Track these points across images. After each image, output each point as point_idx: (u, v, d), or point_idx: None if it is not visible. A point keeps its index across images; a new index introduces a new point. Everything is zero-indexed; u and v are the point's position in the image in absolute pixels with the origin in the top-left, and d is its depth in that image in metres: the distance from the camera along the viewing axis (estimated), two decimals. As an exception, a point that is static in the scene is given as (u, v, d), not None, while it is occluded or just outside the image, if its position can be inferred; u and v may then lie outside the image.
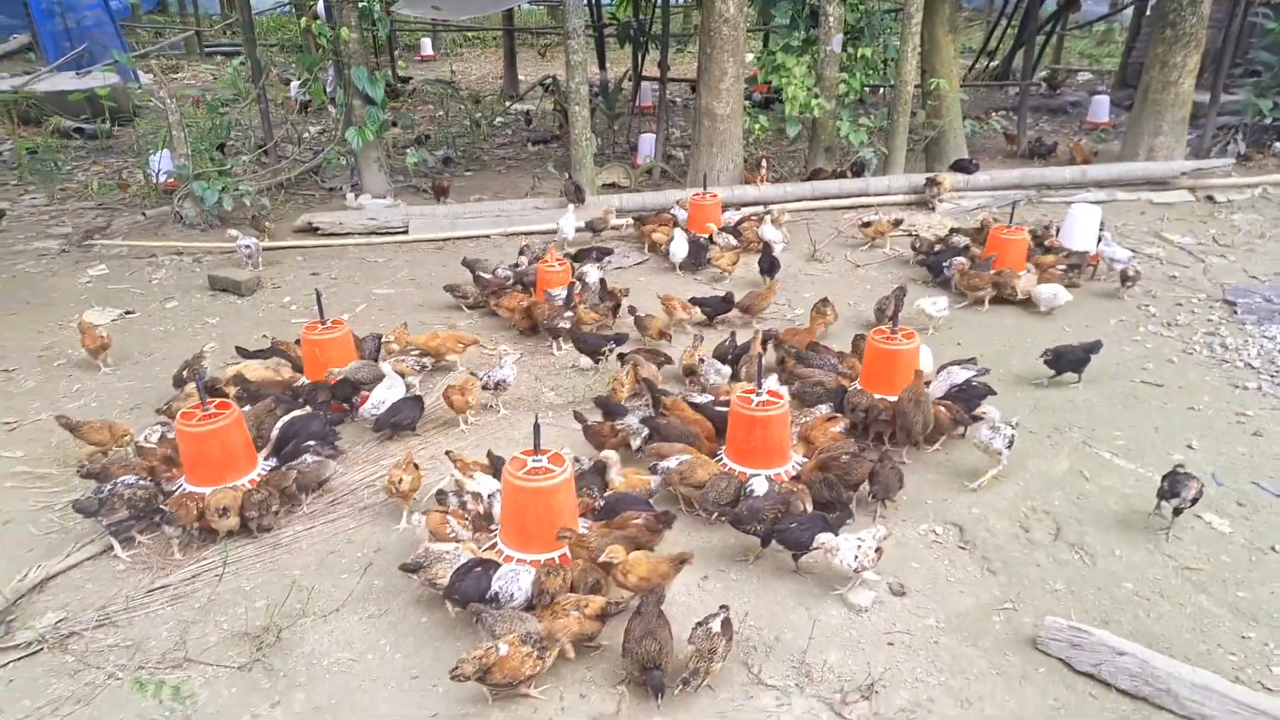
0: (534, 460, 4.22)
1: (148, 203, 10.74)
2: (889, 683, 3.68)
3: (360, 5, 9.50)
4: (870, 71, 10.65)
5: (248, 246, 8.44)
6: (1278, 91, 12.53)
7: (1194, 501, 4.53)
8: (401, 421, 5.58)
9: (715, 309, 7.38)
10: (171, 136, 9.83)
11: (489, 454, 5.00)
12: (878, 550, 4.16)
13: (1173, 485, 4.51)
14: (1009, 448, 5.00)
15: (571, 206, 9.32)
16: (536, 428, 4.31)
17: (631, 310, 7.17)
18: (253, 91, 11.33)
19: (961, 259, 7.93)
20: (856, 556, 4.08)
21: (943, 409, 5.41)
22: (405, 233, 9.55)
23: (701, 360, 6.21)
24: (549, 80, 15.09)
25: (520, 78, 18.80)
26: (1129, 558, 4.49)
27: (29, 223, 10.50)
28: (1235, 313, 7.70)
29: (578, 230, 9.02)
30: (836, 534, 4.19)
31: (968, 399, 5.49)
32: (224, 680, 3.83)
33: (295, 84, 15.03)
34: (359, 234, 9.63)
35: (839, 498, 4.62)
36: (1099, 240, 8.56)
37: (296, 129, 12.53)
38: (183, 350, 7.10)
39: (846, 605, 4.15)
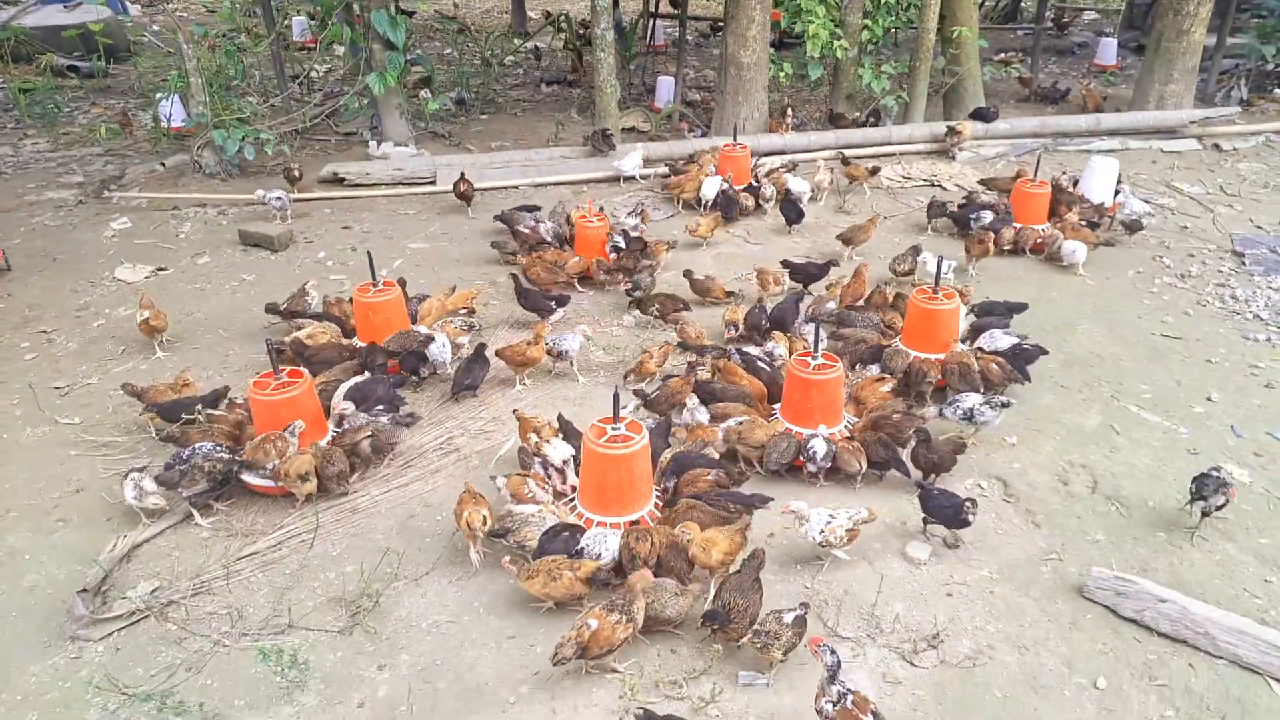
0: (613, 429, 4.44)
1: (159, 150, 10.64)
2: (952, 632, 4.01)
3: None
4: (892, 17, 10.60)
5: (279, 199, 8.44)
6: (1281, 36, 12.62)
7: (1220, 507, 4.49)
8: (475, 382, 5.78)
9: (809, 276, 7.14)
10: (189, 84, 9.68)
11: (559, 417, 5.21)
12: (850, 530, 4.24)
13: (1200, 488, 4.50)
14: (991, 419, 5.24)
15: (640, 145, 9.50)
16: (616, 397, 4.52)
17: (688, 274, 7.19)
18: (253, 26, 11.08)
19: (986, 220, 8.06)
20: (823, 531, 4.22)
21: (994, 366, 5.67)
22: (433, 183, 9.56)
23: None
24: (560, 17, 14.81)
25: (529, 13, 18.41)
26: (1161, 508, 4.82)
27: (36, 171, 10.39)
28: (1244, 264, 7.97)
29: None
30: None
31: (1024, 358, 5.77)
32: (327, 644, 4.05)
33: (298, 19, 14.69)
34: (386, 184, 9.63)
35: (894, 456, 4.91)
36: (1116, 192, 8.76)
37: (305, 70, 12.30)
38: (223, 309, 7.22)
39: (906, 559, 4.47)
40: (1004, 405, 5.25)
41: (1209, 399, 5.86)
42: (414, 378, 5.97)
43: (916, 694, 3.76)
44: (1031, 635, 4.01)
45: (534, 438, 4.85)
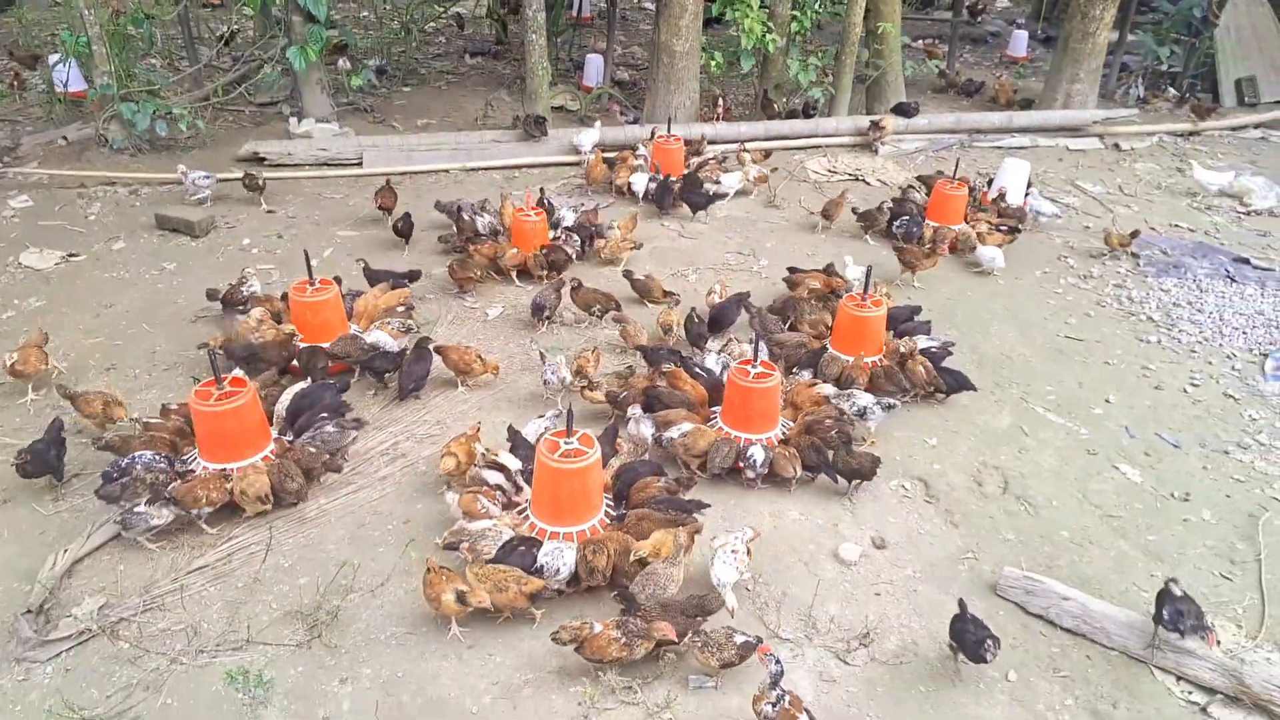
0: (566, 443, 4.59)
1: (55, 117, 10.00)
2: (881, 630, 4.35)
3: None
4: (819, 9, 10.84)
5: (205, 178, 8.06)
6: (1175, 40, 13.45)
7: (1195, 630, 4.08)
8: (419, 384, 5.85)
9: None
10: (90, 51, 9.12)
11: (509, 429, 5.31)
12: (747, 551, 4.39)
13: (1174, 620, 4.06)
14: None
15: (599, 123, 9.79)
16: (569, 413, 4.66)
17: (628, 274, 7.24)
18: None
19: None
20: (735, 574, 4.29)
21: (921, 369, 6.04)
22: (359, 165, 9.36)
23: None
24: (483, -14, 14.50)
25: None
26: (1064, 507, 5.28)
27: (-87, 136, 9.68)
28: (1139, 265, 8.58)
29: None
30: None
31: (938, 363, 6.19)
32: (287, 659, 4.08)
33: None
34: (310, 165, 9.38)
35: (825, 460, 5.21)
36: (1026, 194, 9.27)
37: (214, 33, 11.73)
38: (145, 301, 6.97)
39: (839, 560, 4.79)
40: (890, 407, 5.67)
41: (1107, 400, 6.38)
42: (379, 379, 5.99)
43: (850, 691, 4.09)
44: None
45: (483, 450, 4.95)
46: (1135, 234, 8.54)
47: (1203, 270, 8.39)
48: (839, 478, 5.20)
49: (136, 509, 4.54)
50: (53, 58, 10.17)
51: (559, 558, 4.30)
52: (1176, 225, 9.44)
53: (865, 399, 5.64)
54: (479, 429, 5.17)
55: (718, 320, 6.63)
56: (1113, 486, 5.50)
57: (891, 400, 5.71)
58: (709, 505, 4.83)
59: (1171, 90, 13.69)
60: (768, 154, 9.83)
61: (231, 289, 6.58)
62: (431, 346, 5.97)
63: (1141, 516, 5.26)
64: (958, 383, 6.07)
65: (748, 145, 9.90)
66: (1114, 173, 10.88)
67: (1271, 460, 5.77)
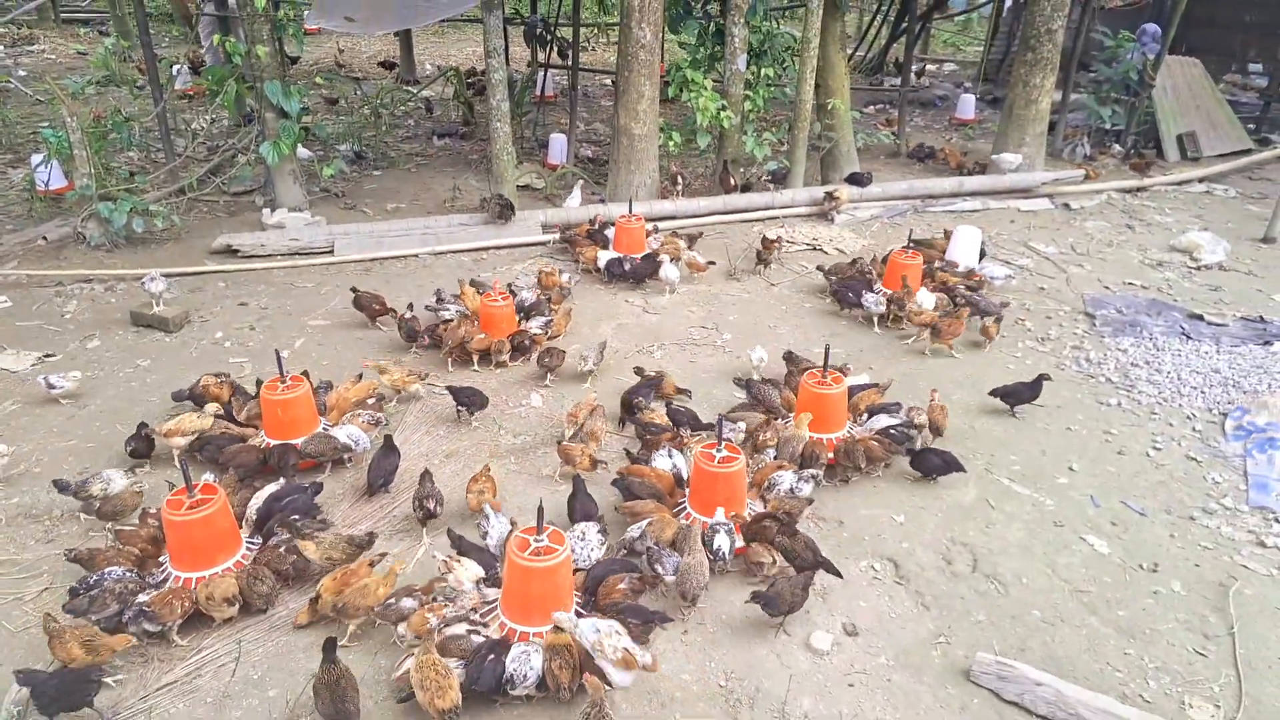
0: (536, 540, 4.61)
1: (35, 214, 10.11)
2: (856, 724, 4.37)
3: (276, 17, 9.22)
4: (772, 89, 11.25)
5: (154, 279, 7.95)
6: (1115, 100, 14.04)
7: None
8: (388, 479, 5.87)
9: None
10: (72, 154, 9.27)
11: (449, 532, 5.27)
12: (625, 656, 4.27)
13: None
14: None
15: (578, 186, 10.21)
16: (540, 510, 4.70)
17: (638, 370, 7.12)
18: (130, 70, 10.73)
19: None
20: (594, 640, 4.29)
21: (874, 443, 6.15)
22: (330, 253, 9.47)
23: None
24: (450, 71, 14.88)
25: (417, 57, 18.34)
26: (1033, 584, 5.34)
27: (-107, 238, 9.70)
28: (1094, 325, 8.78)
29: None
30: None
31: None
32: (255, 782, 4.04)
33: (177, 68, 14.23)
34: (282, 254, 9.48)
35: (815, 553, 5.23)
36: (980, 258, 9.54)
37: (188, 125, 11.93)
38: (119, 400, 6.96)
39: (810, 649, 4.81)
40: (813, 477, 5.79)
41: (1070, 468, 6.48)
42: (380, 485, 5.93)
43: (828, 789, 4.08)
44: (926, 722, 4.41)
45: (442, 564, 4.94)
46: None
47: (1158, 328, 8.61)
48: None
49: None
50: (35, 158, 10.30)
51: (525, 663, 4.27)
52: (1130, 283, 9.72)
53: (788, 478, 5.75)
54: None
55: (628, 404, 6.75)
56: (1081, 559, 5.56)
57: (814, 472, 5.82)
58: (671, 620, 4.81)
59: (1117, 147, 14.22)
60: (695, 236, 9.98)
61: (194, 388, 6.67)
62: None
63: (1111, 590, 5.31)
64: (947, 464, 6.12)
65: (679, 231, 10.07)
66: (1064, 232, 11.23)
67: (1237, 525, 5.86)
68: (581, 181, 10.07)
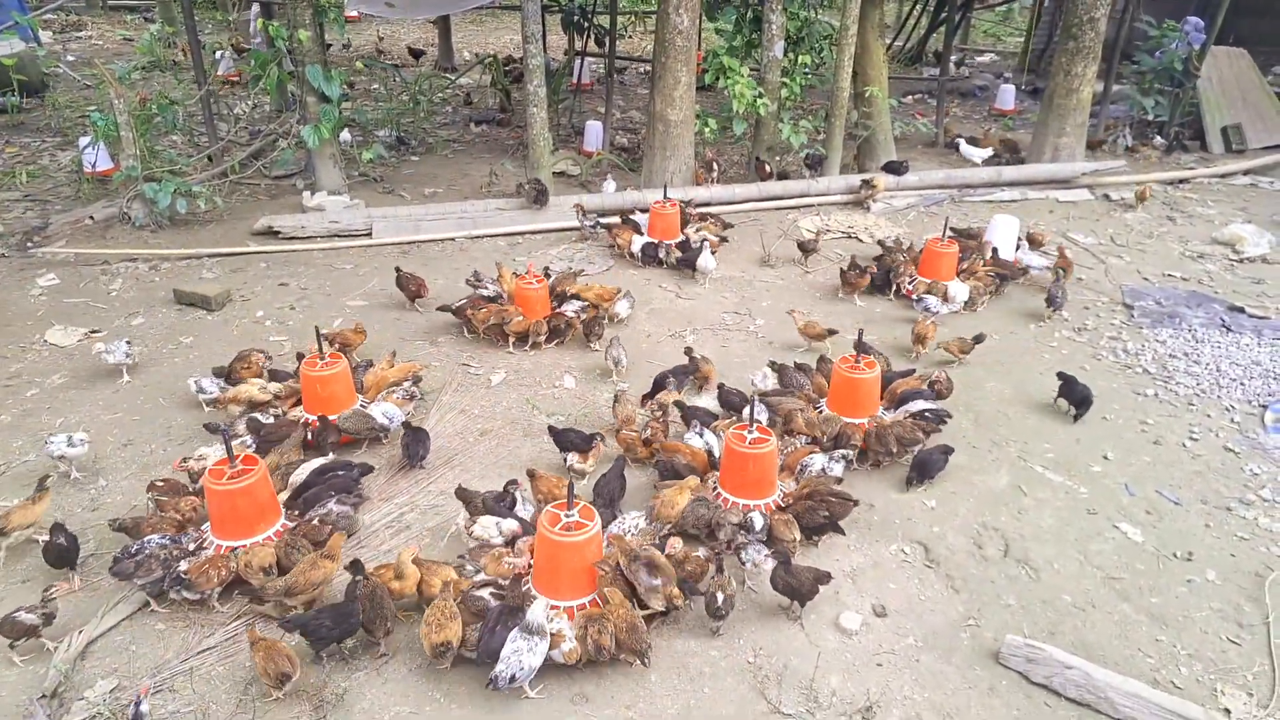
0: (566, 515, 4.69)
1: (82, 195, 10.39)
2: (884, 703, 4.38)
3: (318, 2, 9.37)
4: (808, 76, 11.19)
5: (115, 352, 6.94)
6: (1158, 91, 13.77)
7: None
8: (424, 451, 6.02)
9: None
10: (119, 136, 9.50)
11: (458, 489, 5.41)
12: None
13: None
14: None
15: (610, 178, 10.25)
16: (570, 485, 4.77)
17: (688, 351, 7.13)
18: (175, 56, 10.97)
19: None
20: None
21: (908, 423, 6.15)
22: (369, 235, 9.62)
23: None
24: (489, 59, 14.98)
25: (455, 45, 18.48)
26: (1065, 570, 5.32)
27: (-49, 218, 10.03)
28: (1133, 316, 8.67)
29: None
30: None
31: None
32: (291, 742, 4.12)
33: (220, 53, 14.50)
34: (321, 237, 9.65)
35: (830, 521, 5.27)
36: (1017, 248, 9.45)
37: (231, 109, 12.18)
38: (161, 375, 7.15)
39: (839, 629, 4.84)
40: (844, 457, 5.83)
41: (1105, 457, 6.42)
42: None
43: (854, 765, 4.12)
44: (954, 703, 4.41)
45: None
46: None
47: (1198, 320, 8.48)
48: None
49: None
50: (82, 140, 10.58)
51: (517, 663, 4.21)
52: (1170, 275, 9.56)
53: (819, 460, 5.80)
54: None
55: (659, 386, 6.77)
56: (1113, 547, 5.53)
57: (845, 452, 5.85)
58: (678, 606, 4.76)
59: (1159, 139, 13.95)
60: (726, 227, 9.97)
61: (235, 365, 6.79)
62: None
63: (1144, 578, 5.27)
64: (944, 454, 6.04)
65: (720, 216, 10.11)
66: (1104, 223, 11.06)
67: (1276, 517, 5.78)
68: (612, 171, 10.14)
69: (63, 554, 4.98)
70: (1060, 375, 6.94)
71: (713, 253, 9.13)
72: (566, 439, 5.96)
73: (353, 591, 4.55)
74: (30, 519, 5.23)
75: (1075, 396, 6.81)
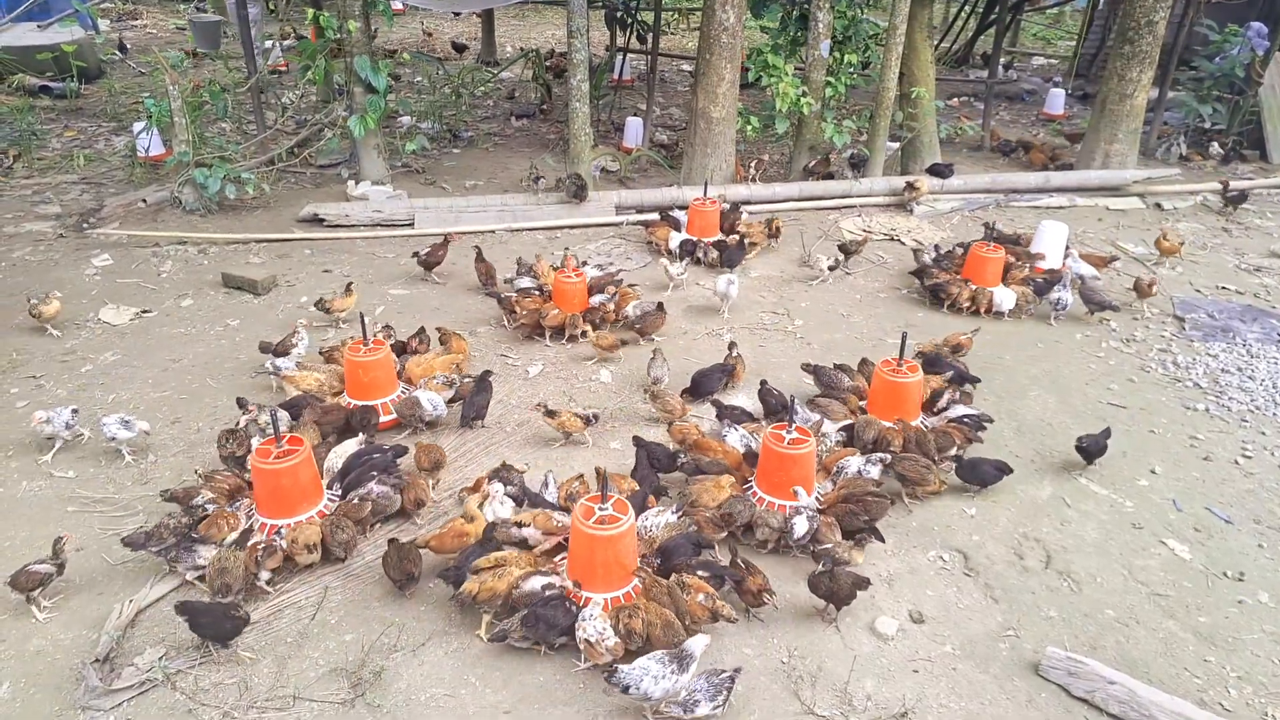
0: (600, 508, 4.69)
1: (135, 179, 10.62)
2: (919, 710, 4.32)
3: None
4: (854, 75, 11.08)
5: (49, 423, 5.89)
6: (1217, 98, 13.41)
7: None
8: (481, 412, 6.41)
9: None
10: (173, 121, 9.71)
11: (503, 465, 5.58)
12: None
13: None
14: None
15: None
16: (604, 478, 4.77)
17: (731, 346, 7.17)
18: (225, 49, 11.19)
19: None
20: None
21: (955, 429, 6.06)
22: (411, 225, 9.71)
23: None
24: (530, 53, 15.05)
25: (498, 40, 18.59)
26: (1108, 584, 5.20)
27: (10, 198, 10.29)
28: (1184, 329, 8.45)
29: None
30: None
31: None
32: (329, 717, 4.18)
33: (270, 43, 14.73)
34: (365, 225, 9.76)
35: (869, 524, 5.21)
36: (1065, 255, 9.26)
37: (279, 98, 12.39)
38: (208, 355, 7.29)
39: (875, 633, 4.78)
40: (881, 460, 5.73)
41: (1152, 471, 6.27)
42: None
43: (887, 772, 4.06)
44: (991, 714, 4.34)
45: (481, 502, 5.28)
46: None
47: (1253, 335, 8.26)
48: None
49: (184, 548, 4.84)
50: (137, 126, 10.82)
51: (644, 678, 4.07)
52: (1224, 288, 9.32)
53: (855, 462, 5.75)
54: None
55: (698, 386, 6.76)
56: (1160, 563, 5.40)
57: (882, 455, 5.77)
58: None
59: (1215, 147, 13.59)
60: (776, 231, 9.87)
61: (282, 342, 6.89)
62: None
63: (1191, 596, 5.14)
64: (999, 470, 5.87)
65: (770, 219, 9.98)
66: (1155, 233, 10.77)
67: (1333, 541, 5.62)
68: (652, 167, 10.19)
69: None
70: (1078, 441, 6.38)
71: (751, 253, 9.06)
72: None
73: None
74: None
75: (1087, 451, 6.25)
